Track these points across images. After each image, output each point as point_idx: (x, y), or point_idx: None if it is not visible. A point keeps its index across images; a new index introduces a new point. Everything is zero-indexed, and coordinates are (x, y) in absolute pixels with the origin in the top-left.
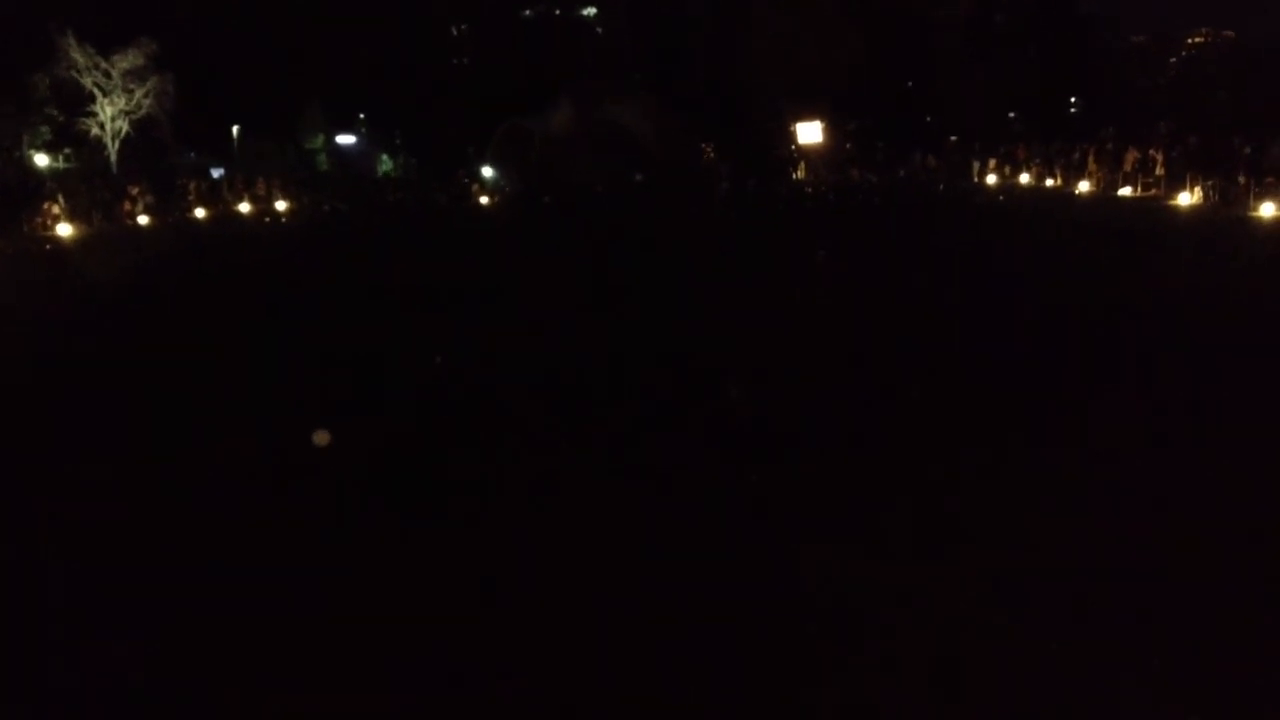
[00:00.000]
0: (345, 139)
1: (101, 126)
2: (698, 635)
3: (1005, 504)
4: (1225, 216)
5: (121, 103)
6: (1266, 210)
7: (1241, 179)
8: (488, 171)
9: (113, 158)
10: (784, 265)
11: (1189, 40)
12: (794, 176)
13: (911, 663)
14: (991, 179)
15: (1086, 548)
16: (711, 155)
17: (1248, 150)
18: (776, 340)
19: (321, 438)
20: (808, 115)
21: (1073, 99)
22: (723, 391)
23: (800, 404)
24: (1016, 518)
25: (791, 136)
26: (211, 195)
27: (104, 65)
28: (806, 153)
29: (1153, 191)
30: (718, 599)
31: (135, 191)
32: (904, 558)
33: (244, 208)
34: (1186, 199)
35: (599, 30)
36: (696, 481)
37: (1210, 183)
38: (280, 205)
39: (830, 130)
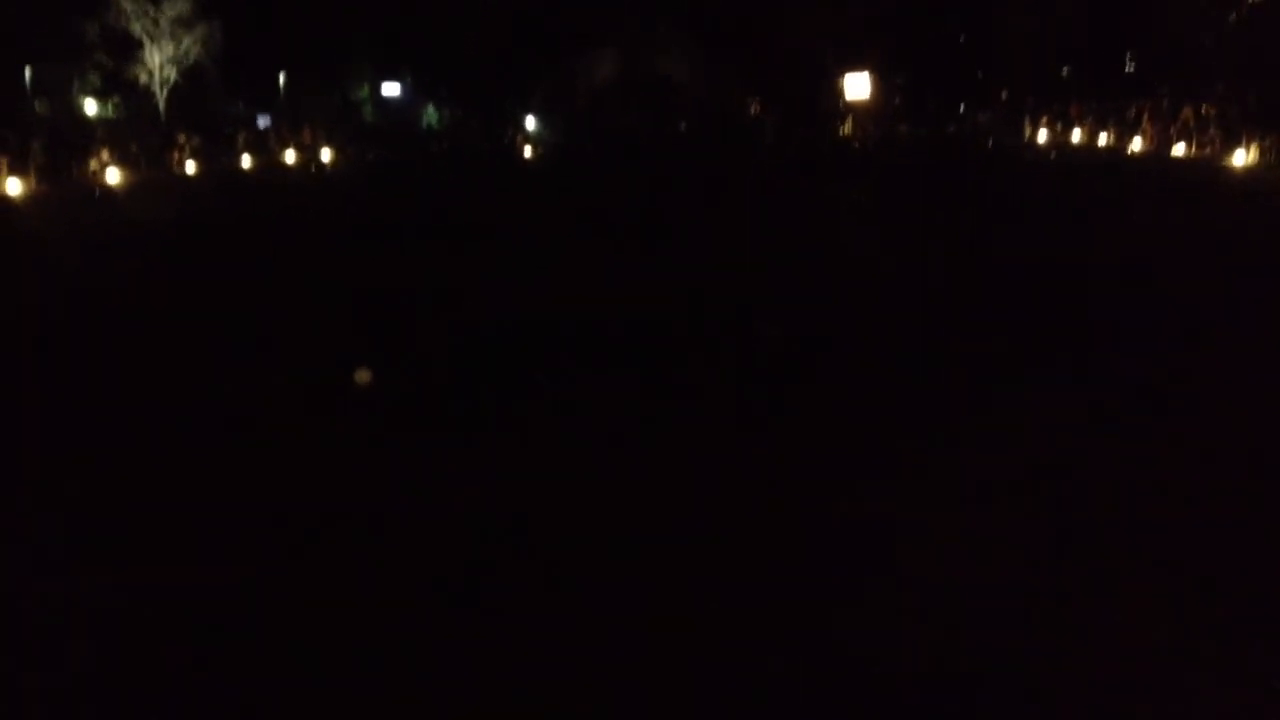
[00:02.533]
0: (390, 89)
1: (150, 74)
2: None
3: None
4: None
5: (170, 50)
6: None
7: None
8: (531, 123)
9: (161, 105)
10: (824, 214)
11: None
12: (841, 131)
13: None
14: (1043, 136)
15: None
16: (758, 108)
17: None
18: (808, 287)
19: (361, 375)
20: (855, 69)
21: (1128, 54)
22: (756, 328)
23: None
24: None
25: (839, 90)
26: (258, 144)
27: (153, 12)
28: (854, 107)
29: (1207, 150)
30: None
31: (182, 139)
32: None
33: (289, 157)
34: (1242, 158)
35: None
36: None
37: (1268, 141)
38: (325, 155)
39: (878, 84)
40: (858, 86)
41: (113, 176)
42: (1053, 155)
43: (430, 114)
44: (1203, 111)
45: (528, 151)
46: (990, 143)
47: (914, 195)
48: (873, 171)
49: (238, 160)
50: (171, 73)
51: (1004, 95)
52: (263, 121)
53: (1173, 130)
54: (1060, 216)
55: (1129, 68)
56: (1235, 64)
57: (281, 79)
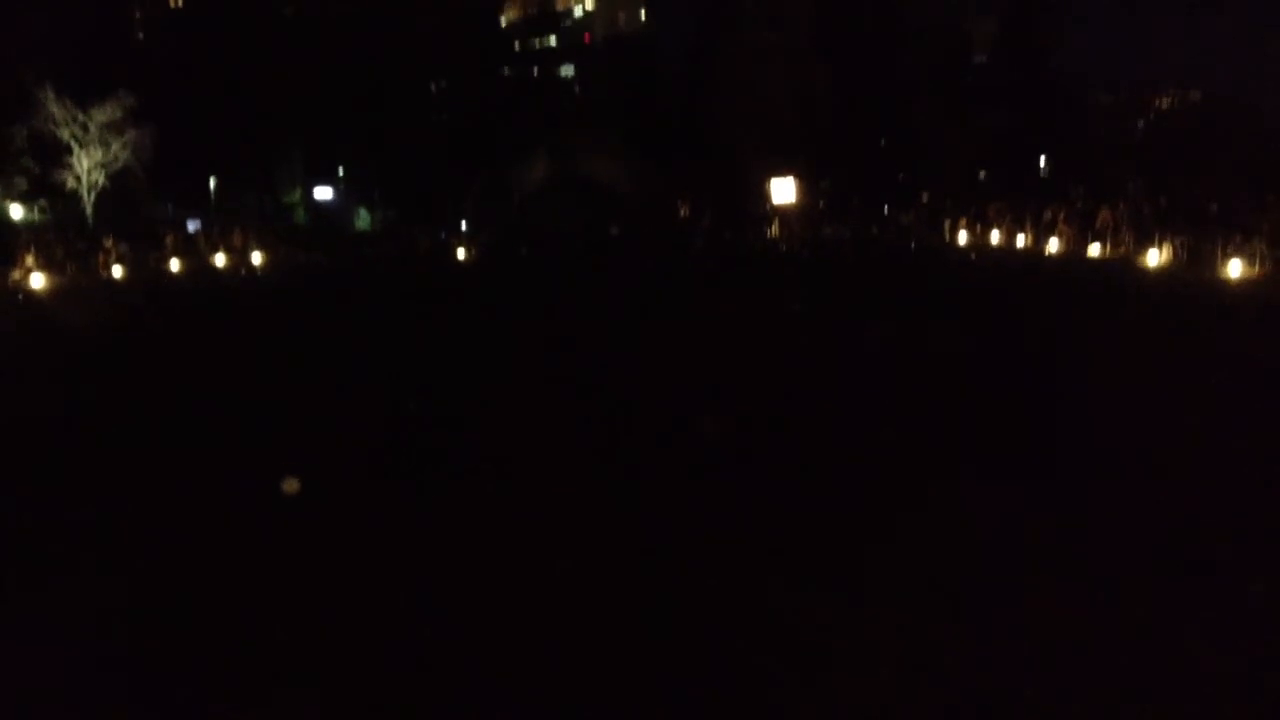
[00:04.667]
0: (323, 192)
1: (78, 179)
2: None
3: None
4: (1193, 277)
5: (98, 155)
6: (1234, 270)
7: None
8: (465, 225)
9: (88, 210)
10: (757, 315)
11: (1156, 101)
12: (768, 233)
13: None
14: (963, 237)
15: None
16: (687, 211)
17: (1214, 208)
18: (751, 381)
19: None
20: (781, 172)
21: (1042, 158)
22: (698, 426)
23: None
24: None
25: (766, 193)
26: (187, 247)
27: (81, 118)
28: (780, 209)
29: (1122, 250)
30: None
31: (110, 243)
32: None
33: (220, 260)
34: (1155, 258)
35: (577, 89)
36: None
37: (1179, 241)
38: (256, 258)
39: (804, 187)
40: (784, 190)
41: (37, 281)
42: (973, 256)
43: (363, 216)
44: (1116, 214)
45: (460, 254)
46: (913, 244)
47: (843, 300)
48: (801, 276)
49: (166, 264)
50: (99, 177)
51: (925, 197)
52: (192, 225)
53: (1088, 233)
54: (981, 313)
55: (1044, 171)
56: (1147, 166)
57: (212, 182)
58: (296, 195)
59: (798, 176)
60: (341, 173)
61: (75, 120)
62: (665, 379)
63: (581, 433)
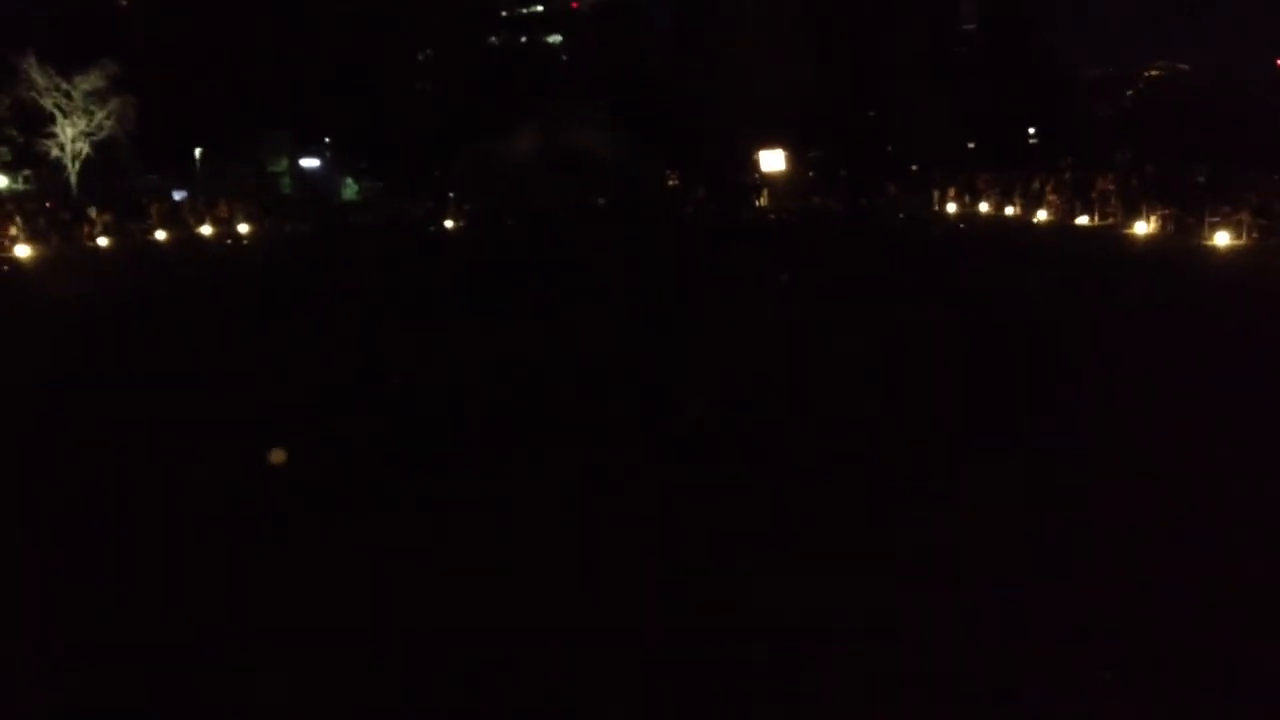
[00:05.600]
0: (309, 162)
1: (61, 148)
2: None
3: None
4: (1179, 245)
5: (82, 124)
6: (1220, 239)
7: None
8: (452, 195)
9: (73, 179)
10: (746, 287)
11: (1145, 73)
12: (757, 203)
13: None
14: (951, 207)
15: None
16: (676, 181)
17: (1201, 180)
18: (737, 358)
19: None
20: (771, 143)
21: (1031, 129)
22: (682, 407)
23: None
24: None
25: (755, 164)
26: (173, 217)
27: (65, 86)
28: (769, 180)
29: (1110, 220)
30: None
31: (94, 213)
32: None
33: (205, 230)
34: (1143, 227)
35: (564, 57)
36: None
37: (1166, 212)
38: (242, 228)
39: (793, 158)
40: (773, 160)
41: (22, 251)
42: (961, 225)
43: (350, 186)
44: (1103, 184)
45: (449, 224)
46: (901, 215)
47: (834, 271)
48: (790, 246)
49: (151, 234)
50: (84, 146)
51: (913, 167)
52: (178, 195)
53: (1077, 202)
54: (970, 282)
55: (1033, 141)
56: (1135, 137)
57: (197, 152)
58: (283, 165)
59: (786, 147)
60: (328, 143)
61: (59, 89)
62: (645, 351)
63: (567, 411)
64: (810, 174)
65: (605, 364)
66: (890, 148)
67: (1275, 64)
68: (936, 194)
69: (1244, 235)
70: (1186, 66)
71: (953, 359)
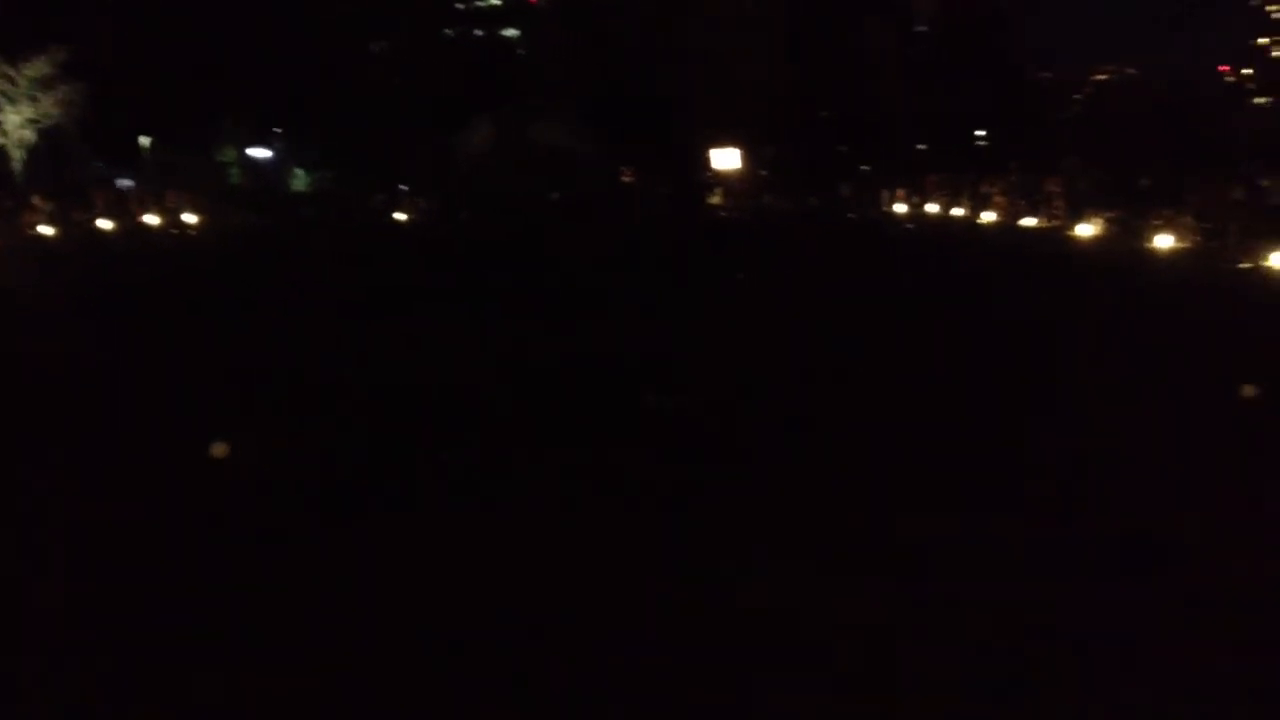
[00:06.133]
0: (259, 152)
1: (5, 134)
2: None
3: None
4: (1122, 247)
5: (29, 111)
6: (1162, 242)
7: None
8: (405, 188)
9: (18, 167)
10: (698, 283)
11: (1094, 77)
12: (710, 201)
13: None
14: (901, 208)
15: None
16: (630, 177)
17: (1145, 183)
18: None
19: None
20: (725, 142)
21: (980, 132)
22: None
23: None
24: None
25: (708, 161)
26: (119, 206)
27: (10, 73)
28: (723, 178)
29: (1055, 222)
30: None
31: (38, 201)
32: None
33: (152, 219)
34: (1088, 229)
35: (520, 52)
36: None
37: (1111, 215)
38: (190, 218)
39: (746, 157)
40: (726, 159)
41: None
42: (910, 226)
43: (300, 177)
44: (1050, 188)
45: (401, 216)
46: (851, 214)
47: (786, 271)
48: (744, 244)
49: (94, 222)
50: (29, 133)
51: (864, 168)
52: (124, 184)
53: (1024, 204)
54: (916, 280)
55: (983, 143)
56: (1082, 140)
57: (145, 141)
58: (232, 155)
59: (740, 145)
60: (279, 133)
61: (4, 75)
62: (602, 349)
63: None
64: (763, 173)
65: (557, 362)
66: (842, 148)
67: (1218, 70)
68: (886, 194)
69: (1186, 238)
70: (1134, 71)
71: (885, 356)
